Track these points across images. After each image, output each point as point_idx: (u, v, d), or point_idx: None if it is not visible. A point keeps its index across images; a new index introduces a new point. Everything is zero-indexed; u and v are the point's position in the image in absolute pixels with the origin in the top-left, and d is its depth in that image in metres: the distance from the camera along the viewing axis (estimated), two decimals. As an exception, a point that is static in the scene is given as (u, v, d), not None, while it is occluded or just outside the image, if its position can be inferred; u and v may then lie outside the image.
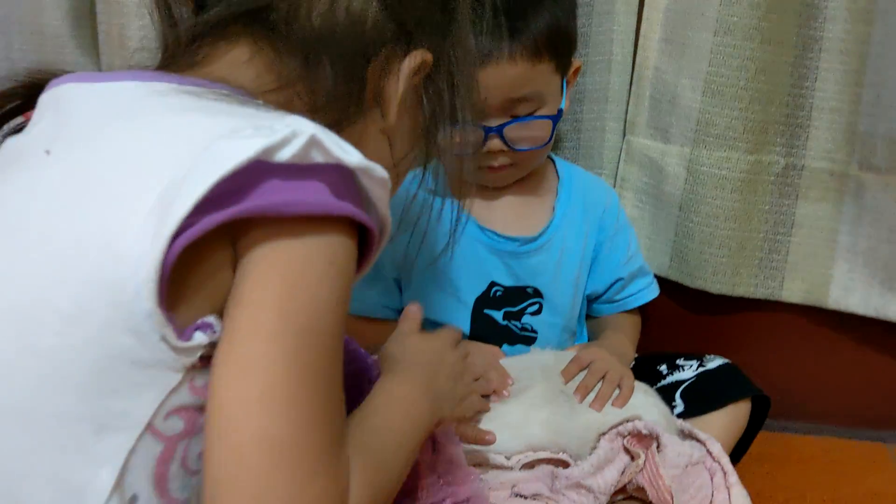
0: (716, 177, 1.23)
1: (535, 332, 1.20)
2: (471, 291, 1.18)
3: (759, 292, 1.30)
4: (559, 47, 1.10)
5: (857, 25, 1.19)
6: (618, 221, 1.24)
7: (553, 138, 1.14)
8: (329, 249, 0.57)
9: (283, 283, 0.55)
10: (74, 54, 1.36)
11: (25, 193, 0.59)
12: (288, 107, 0.65)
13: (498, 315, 1.19)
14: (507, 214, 1.19)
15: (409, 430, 0.71)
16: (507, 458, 1.04)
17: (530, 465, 1.05)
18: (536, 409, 1.06)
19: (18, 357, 0.55)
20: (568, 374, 1.09)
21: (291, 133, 0.54)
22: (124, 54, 1.21)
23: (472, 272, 1.18)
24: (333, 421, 0.57)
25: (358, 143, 0.60)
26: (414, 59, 0.71)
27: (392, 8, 0.68)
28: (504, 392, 1.07)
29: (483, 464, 1.04)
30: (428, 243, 1.19)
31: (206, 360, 0.56)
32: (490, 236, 1.18)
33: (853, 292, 1.27)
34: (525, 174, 1.18)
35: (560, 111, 1.12)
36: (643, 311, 1.30)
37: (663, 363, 1.23)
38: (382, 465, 0.64)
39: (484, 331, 1.19)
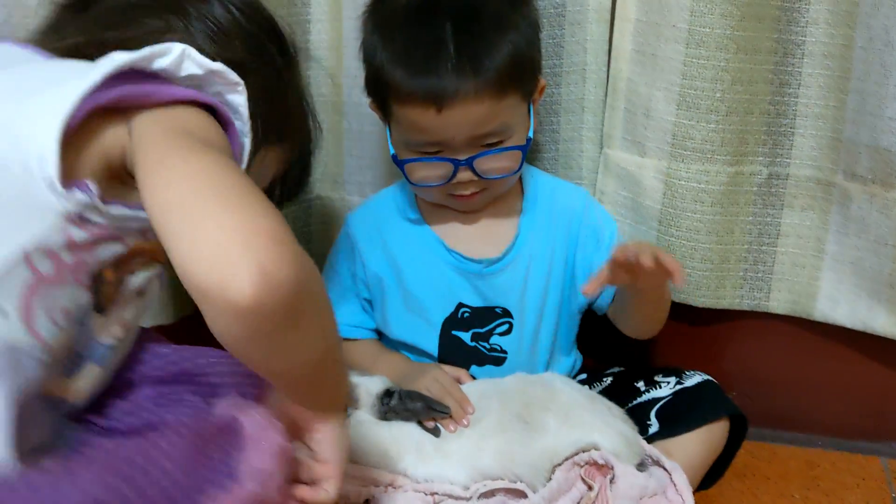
0: (694, 190, 1.20)
1: (504, 352, 1.19)
2: (438, 313, 1.19)
3: (745, 304, 1.27)
4: (524, 76, 1.09)
5: (841, 29, 1.13)
6: (589, 225, 1.21)
7: (523, 163, 1.13)
8: (195, 115, 0.74)
9: (168, 127, 0.70)
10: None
11: None
12: None
13: (466, 336, 1.19)
14: (473, 235, 1.19)
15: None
16: (466, 489, 1.05)
17: (490, 494, 1.06)
18: (489, 438, 1.06)
19: None
20: (622, 253, 1.02)
21: (165, 48, 0.73)
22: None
23: (440, 294, 1.18)
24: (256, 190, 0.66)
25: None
26: None
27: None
28: (463, 421, 1.08)
29: (439, 493, 1.05)
30: (398, 266, 1.20)
31: (84, 221, 0.68)
32: (456, 258, 1.17)
33: (840, 304, 1.22)
34: (497, 196, 1.17)
35: (529, 139, 1.11)
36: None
37: (641, 379, 1.22)
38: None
39: (452, 352, 1.19)
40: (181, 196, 0.63)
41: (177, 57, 0.73)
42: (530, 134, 1.12)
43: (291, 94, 0.97)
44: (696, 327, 1.31)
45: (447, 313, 1.18)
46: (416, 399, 1.08)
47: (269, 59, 0.91)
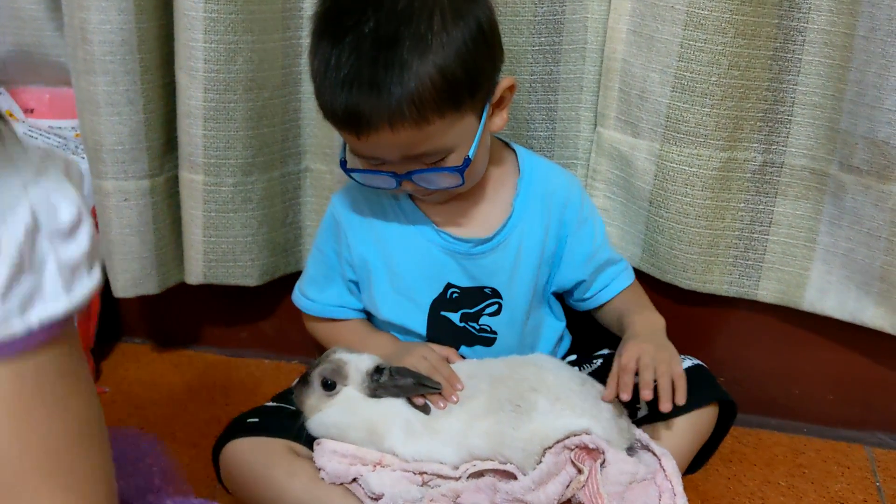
0: (686, 173, 1.19)
1: (494, 332, 1.18)
2: (427, 293, 1.17)
3: (733, 290, 1.26)
4: (456, 96, 1.00)
5: (843, 17, 1.12)
6: (581, 214, 1.19)
7: (464, 179, 1.07)
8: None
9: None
10: (53, 37, 1.37)
11: None
12: None
13: (455, 317, 1.18)
14: (462, 215, 1.17)
15: None
16: (455, 469, 1.05)
17: (479, 475, 1.05)
18: (479, 419, 1.06)
19: None
20: (625, 386, 1.03)
21: None
22: (87, 48, 1.21)
23: (428, 274, 1.17)
24: None
25: None
26: None
27: None
28: (452, 397, 1.07)
29: (428, 473, 1.05)
30: (385, 247, 1.18)
31: None
32: (444, 238, 1.16)
33: (829, 295, 1.22)
34: (468, 189, 1.13)
35: (467, 160, 1.05)
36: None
37: (631, 362, 1.21)
38: None
39: (441, 333, 1.18)
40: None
41: None
42: (470, 154, 1.05)
43: None
44: (687, 312, 1.31)
45: (435, 294, 1.17)
46: (406, 375, 1.07)
47: None
